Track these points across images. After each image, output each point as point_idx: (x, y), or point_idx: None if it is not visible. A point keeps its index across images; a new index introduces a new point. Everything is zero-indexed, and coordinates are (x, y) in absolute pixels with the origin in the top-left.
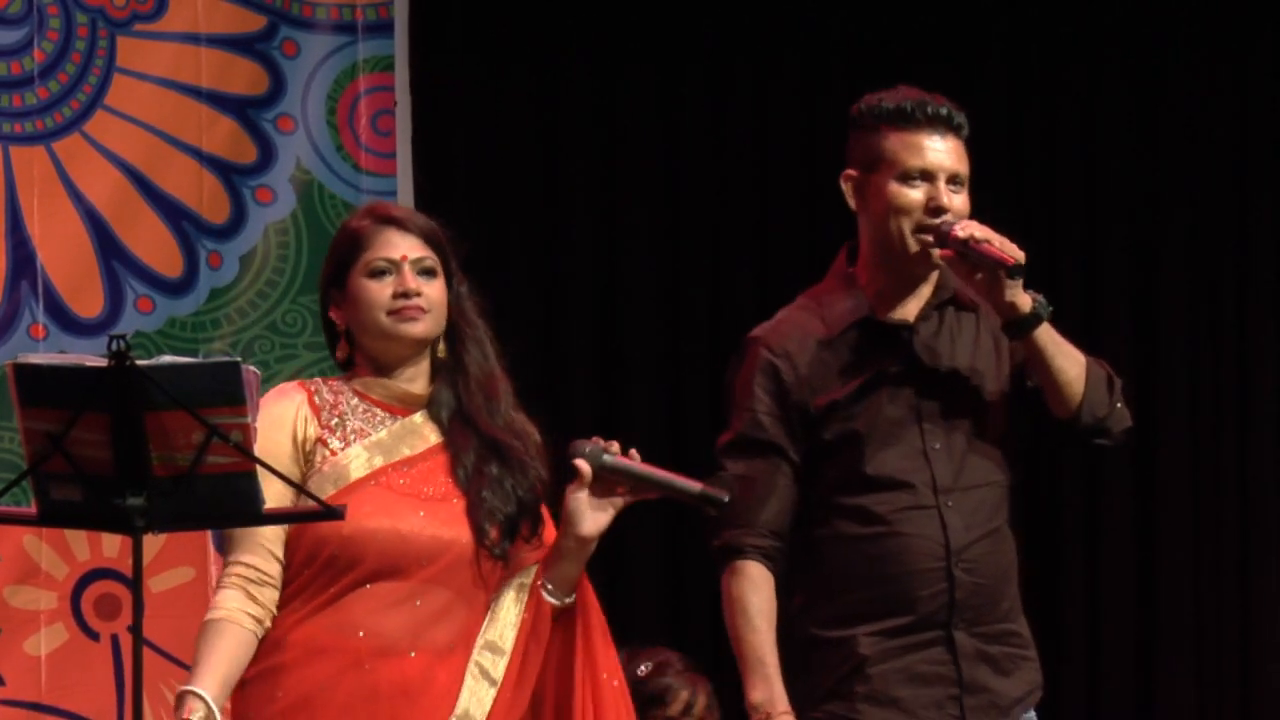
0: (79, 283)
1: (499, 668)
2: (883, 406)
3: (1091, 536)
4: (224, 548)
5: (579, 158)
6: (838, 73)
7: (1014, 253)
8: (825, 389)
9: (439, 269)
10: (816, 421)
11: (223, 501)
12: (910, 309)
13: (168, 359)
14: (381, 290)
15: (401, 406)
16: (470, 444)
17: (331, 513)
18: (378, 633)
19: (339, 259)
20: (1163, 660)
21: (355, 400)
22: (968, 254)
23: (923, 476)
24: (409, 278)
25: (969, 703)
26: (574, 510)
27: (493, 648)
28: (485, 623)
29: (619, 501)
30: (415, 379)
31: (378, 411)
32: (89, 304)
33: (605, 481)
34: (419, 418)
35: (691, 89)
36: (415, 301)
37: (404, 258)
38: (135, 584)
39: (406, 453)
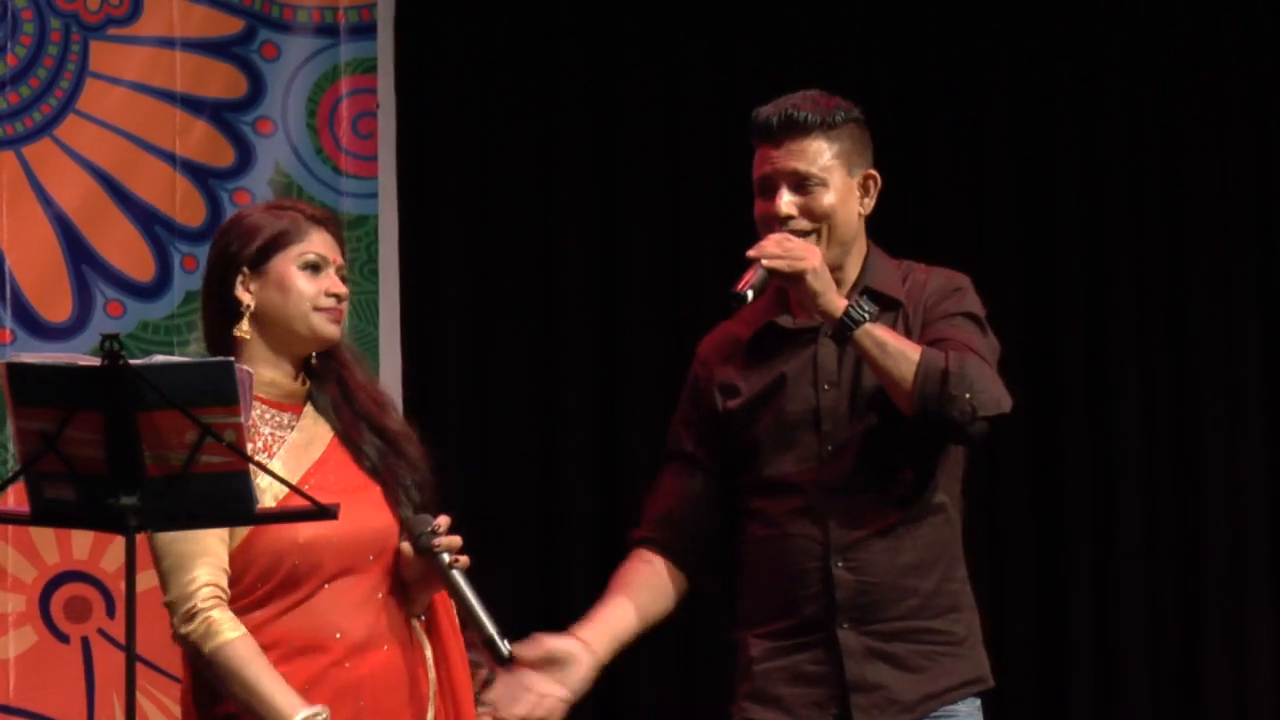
0: (47, 287)
1: (433, 665)
2: (782, 410)
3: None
4: (168, 563)
5: (570, 159)
6: (841, 70)
7: (780, 268)
8: (734, 393)
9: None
10: (725, 425)
11: (216, 501)
12: None
13: (161, 358)
14: (313, 283)
15: (288, 403)
16: (365, 436)
17: (325, 512)
18: (352, 630)
19: (266, 241)
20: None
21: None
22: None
23: (812, 478)
24: (338, 281)
25: (858, 701)
26: (407, 569)
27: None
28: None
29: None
30: (298, 375)
31: (273, 411)
32: (57, 308)
33: (425, 562)
34: (310, 414)
35: (690, 87)
36: (342, 305)
37: (335, 261)
38: (129, 583)
39: (317, 454)
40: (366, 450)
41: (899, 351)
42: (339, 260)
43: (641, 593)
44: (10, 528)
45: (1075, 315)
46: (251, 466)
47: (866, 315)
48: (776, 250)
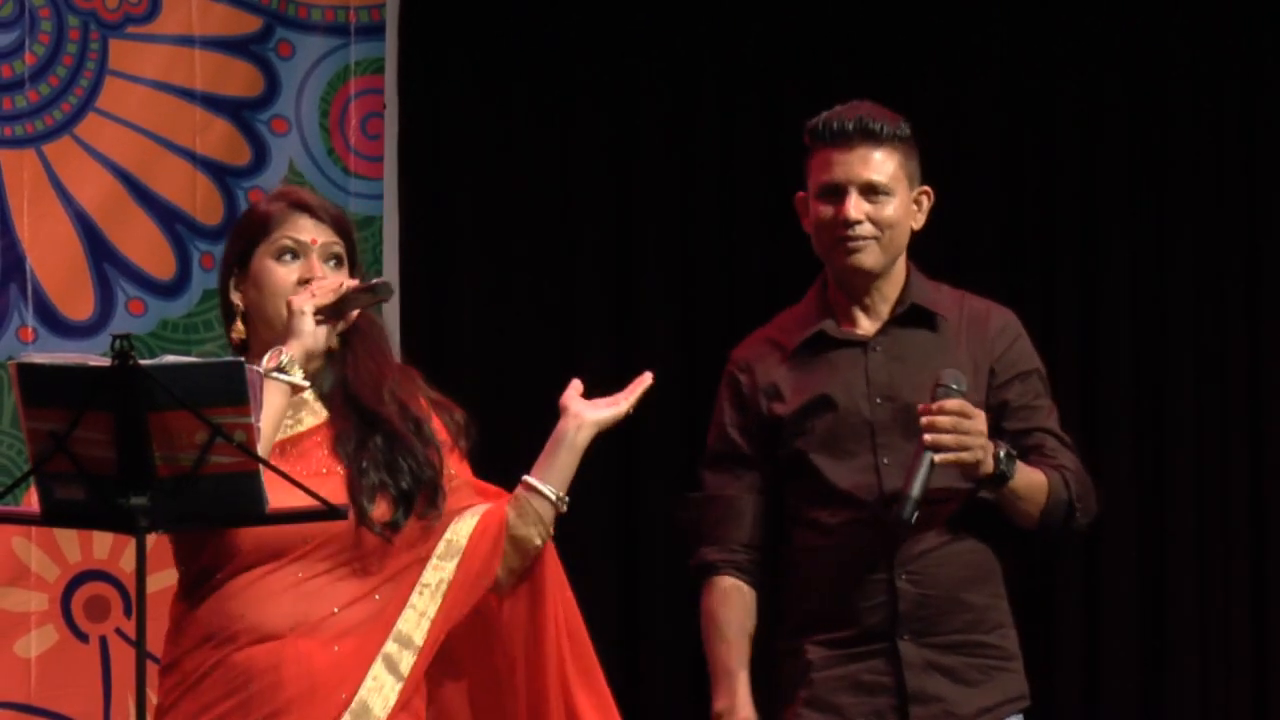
0: (69, 285)
1: (406, 662)
2: (836, 420)
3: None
4: None
5: (581, 164)
6: (844, 82)
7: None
8: (780, 399)
9: (345, 258)
10: (775, 431)
11: (226, 502)
12: (869, 323)
13: (171, 359)
14: (287, 275)
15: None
16: (352, 420)
17: (335, 512)
18: (259, 615)
19: (247, 238)
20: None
21: None
22: None
23: (872, 489)
24: (316, 265)
25: (917, 712)
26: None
27: (404, 640)
28: (402, 612)
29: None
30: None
31: None
32: (79, 306)
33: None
34: (308, 394)
35: (696, 89)
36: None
37: (314, 241)
38: (139, 584)
39: (291, 429)
40: (346, 436)
41: (1030, 495)
42: (323, 239)
43: (743, 640)
44: (35, 527)
45: (1070, 330)
46: (266, 467)
47: (1011, 470)
48: (951, 442)
